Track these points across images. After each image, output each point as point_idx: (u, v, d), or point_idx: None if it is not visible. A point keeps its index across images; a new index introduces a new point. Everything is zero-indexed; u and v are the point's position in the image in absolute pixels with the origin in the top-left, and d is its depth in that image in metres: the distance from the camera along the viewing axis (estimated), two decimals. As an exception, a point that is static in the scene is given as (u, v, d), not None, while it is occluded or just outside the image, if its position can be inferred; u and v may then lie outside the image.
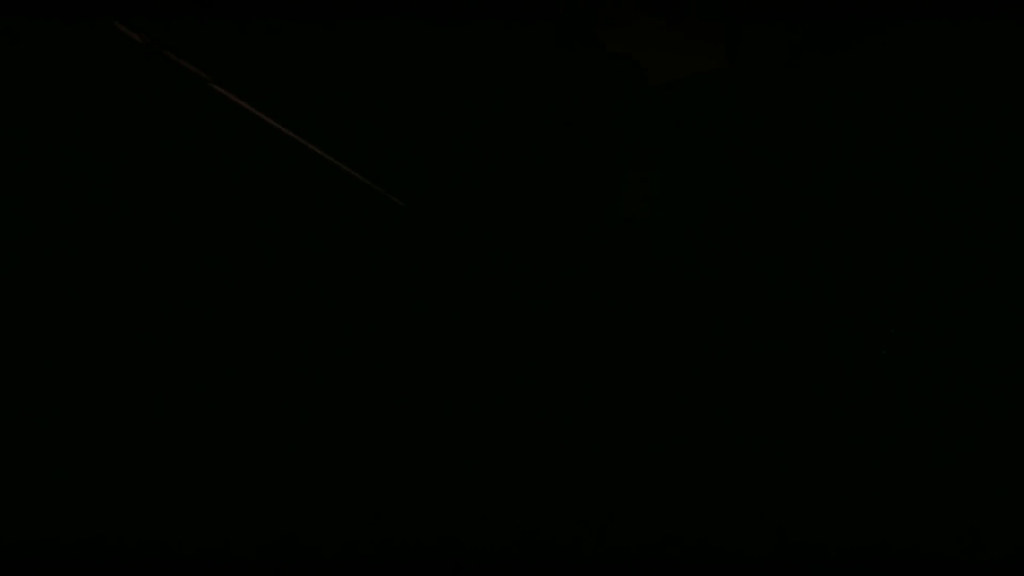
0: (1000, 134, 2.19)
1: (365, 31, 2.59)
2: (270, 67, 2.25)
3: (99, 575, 2.05)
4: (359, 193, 2.42)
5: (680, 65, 2.58)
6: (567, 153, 2.01)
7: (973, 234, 2.17)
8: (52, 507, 2.06)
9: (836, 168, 2.36)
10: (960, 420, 2.13)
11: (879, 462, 2.17)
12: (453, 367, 1.68)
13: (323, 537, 2.10)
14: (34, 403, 2.17)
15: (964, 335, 2.16)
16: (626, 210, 1.80)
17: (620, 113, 1.78)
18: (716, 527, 1.79)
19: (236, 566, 2.03)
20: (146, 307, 2.27)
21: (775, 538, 2.03)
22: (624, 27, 2.69)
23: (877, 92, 2.32)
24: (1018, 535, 1.90)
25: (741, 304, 2.20)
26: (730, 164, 2.51)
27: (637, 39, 2.67)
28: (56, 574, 2.00)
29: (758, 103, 2.48)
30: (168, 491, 2.18)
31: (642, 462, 1.97)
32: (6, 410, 2.10)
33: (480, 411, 1.99)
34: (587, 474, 1.93)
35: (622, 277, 2.09)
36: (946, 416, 2.13)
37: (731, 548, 1.79)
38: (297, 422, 2.22)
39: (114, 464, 2.19)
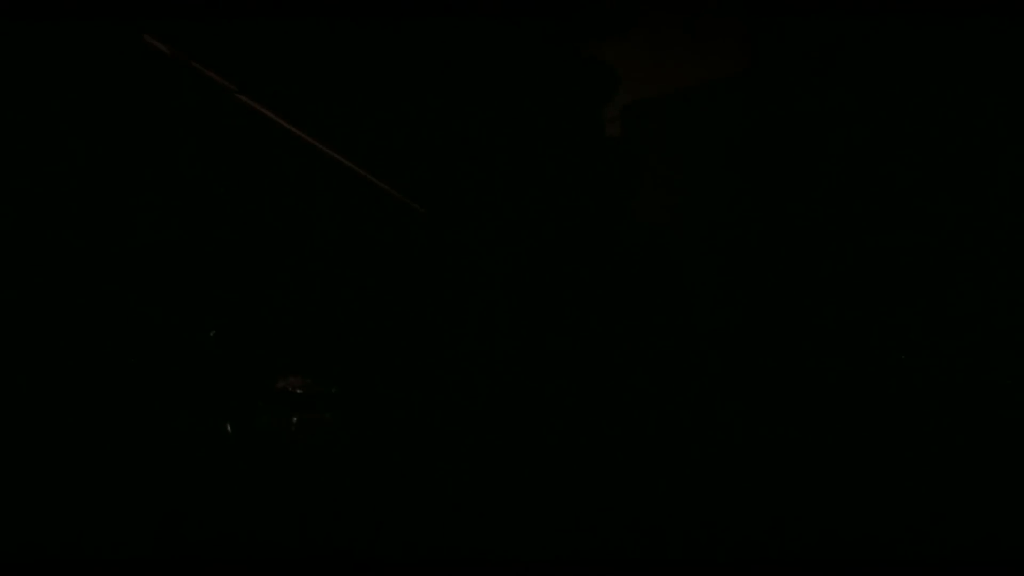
0: None
1: (383, 39, 2.59)
2: (295, 77, 2.25)
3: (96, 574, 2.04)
4: (381, 200, 2.42)
5: (698, 68, 2.56)
6: (585, 157, 1.99)
7: (999, 242, 2.14)
8: (50, 507, 2.06)
9: (861, 175, 2.33)
10: (967, 422, 2.12)
11: (883, 465, 2.16)
12: (468, 370, 1.66)
13: (322, 537, 2.10)
14: (32, 402, 2.17)
15: (978, 340, 2.14)
16: (643, 215, 1.79)
17: (638, 118, 1.79)
18: (721, 529, 1.79)
19: (235, 566, 2.02)
20: (168, 312, 2.26)
21: (776, 539, 2.03)
22: (639, 30, 2.69)
23: (905, 95, 2.29)
24: (1018, 535, 1.89)
25: (756, 310, 2.19)
26: (749, 170, 2.49)
27: (653, 42, 2.66)
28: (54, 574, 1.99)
29: (780, 107, 2.47)
30: (165, 490, 2.17)
31: (646, 466, 1.96)
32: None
33: (488, 415, 1.98)
34: (590, 479, 1.92)
35: (639, 282, 2.08)
36: (953, 418, 2.12)
37: (731, 549, 1.79)
38: (306, 428, 2.21)
39: (111, 463, 2.18)
